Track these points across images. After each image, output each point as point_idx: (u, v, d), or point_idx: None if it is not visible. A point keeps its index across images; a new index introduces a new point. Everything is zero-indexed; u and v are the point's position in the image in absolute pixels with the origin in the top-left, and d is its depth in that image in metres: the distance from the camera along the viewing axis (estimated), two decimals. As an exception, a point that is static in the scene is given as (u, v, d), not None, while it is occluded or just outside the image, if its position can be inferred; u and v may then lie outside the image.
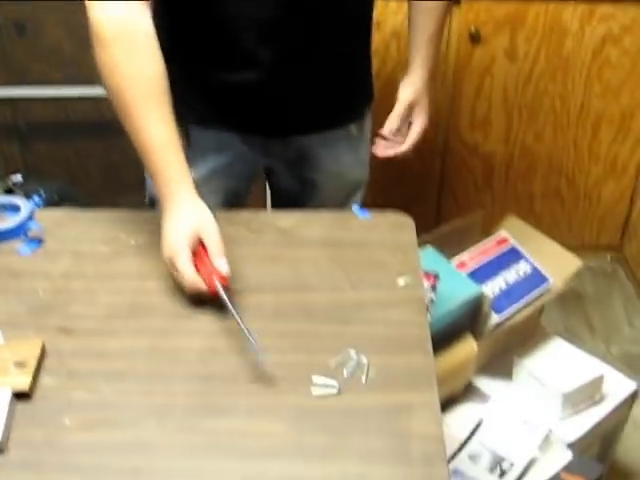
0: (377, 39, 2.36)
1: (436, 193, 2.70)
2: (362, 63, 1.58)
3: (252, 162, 1.61)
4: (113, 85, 1.22)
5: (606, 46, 2.38)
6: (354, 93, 1.59)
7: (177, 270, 1.15)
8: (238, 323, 1.08)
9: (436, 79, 1.57)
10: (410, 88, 1.58)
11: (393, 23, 2.30)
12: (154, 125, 1.21)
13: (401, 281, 1.21)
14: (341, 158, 1.62)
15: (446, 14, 1.60)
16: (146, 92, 1.22)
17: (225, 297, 1.12)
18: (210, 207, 1.23)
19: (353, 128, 1.60)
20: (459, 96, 2.48)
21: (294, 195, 1.68)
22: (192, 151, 1.37)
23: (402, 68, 1.62)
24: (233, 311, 1.10)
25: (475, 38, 2.35)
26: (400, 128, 1.58)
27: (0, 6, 2.28)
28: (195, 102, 1.48)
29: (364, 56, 1.58)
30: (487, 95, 2.48)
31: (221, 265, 1.14)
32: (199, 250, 1.16)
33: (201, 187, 1.25)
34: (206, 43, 1.42)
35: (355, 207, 1.38)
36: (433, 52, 1.60)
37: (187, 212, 1.19)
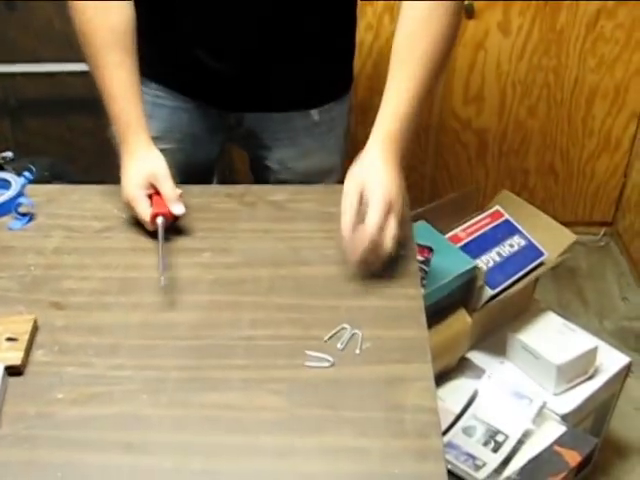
0: (369, 12, 2.34)
1: (430, 168, 2.69)
2: (329, 49, 1.49)
3: (206, 132, 1.58)
4: (82, 29, 1.28)
5: (600, 19, 2.37)
6: (314, 78, 1.51)
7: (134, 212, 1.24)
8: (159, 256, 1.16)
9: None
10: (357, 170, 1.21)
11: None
12: (116, 72, 1.27)
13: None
14: (300, 142, 1.57)
15: (448, 51, 1.25)
16: (111, 39, 1.27)
17: (161, 233, 1.19)
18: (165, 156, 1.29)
19: (315, 114, 1.54)
20: (452, 71, 2.46)
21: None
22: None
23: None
24: (160, 244, 1.17)
25: (468, 12, 2.33)
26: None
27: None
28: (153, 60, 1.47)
29: (332, 43, 1.48)
30: (480, 70, 2.47)
31: (175, 208, 1.22)
32: (155, 194, 1.24)
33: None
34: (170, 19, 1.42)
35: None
36: (408, 125, 1.21)
37: (141, 159, 1.27)
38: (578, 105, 2.55)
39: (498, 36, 2.40)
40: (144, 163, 1.26)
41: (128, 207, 1.25)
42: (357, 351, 1.03)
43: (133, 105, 1.28)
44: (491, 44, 2.41)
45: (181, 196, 1.24)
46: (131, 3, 1.29)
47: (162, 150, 1.44)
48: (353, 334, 1.06)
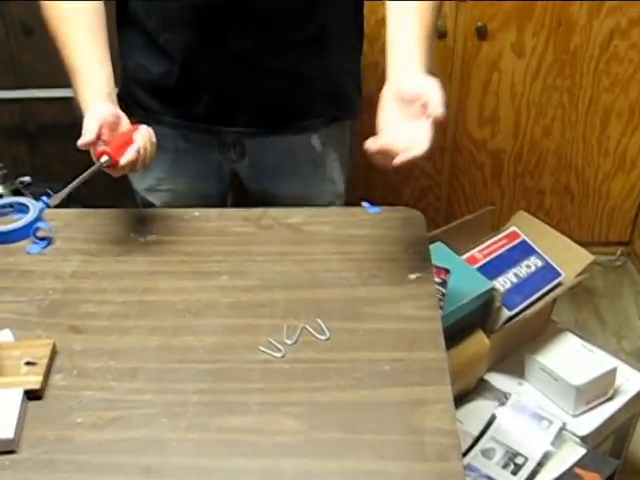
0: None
1: (445, 189, 2.69)
2: (327, 70, 1.46)
3: (210, 169, 1.58)
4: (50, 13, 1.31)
5: (614, 39, 2.37)
6: (309, 100, 1.47)
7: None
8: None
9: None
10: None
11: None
12: (80, 44, 1.29)
13: (412, 276, 1.20)
14: (302, 173, 1.56)
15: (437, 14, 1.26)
16: (77, 10, 1.30)
17: (93, 168, 1.19)
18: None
19: (316, 142, 1.52)
20: (467, 92, 2.47)
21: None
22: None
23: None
24: (84, 175, 1.19)
25: (482, 33, 2.34)
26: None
27: (7, 7, 2.28)
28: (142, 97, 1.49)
29: (328, 63, 1.45)
30: (495, 91, 2.47)
31: (127, 153, 1.19)
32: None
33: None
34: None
35: (365, 203, 1.37)
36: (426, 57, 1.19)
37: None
38: (593, 125, 2.54)
39: (512, 57, 2.40)
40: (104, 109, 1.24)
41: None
42: (375, 374, 1.03)
43: (95, 80, 1.27)
44: (505, 65, 2.42)
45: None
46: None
47: (169, 190, 1.46)
48: (372, 357, 1.06)
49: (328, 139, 1.53)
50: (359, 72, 1.54)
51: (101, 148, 1.18)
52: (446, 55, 2.39)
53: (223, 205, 1.62)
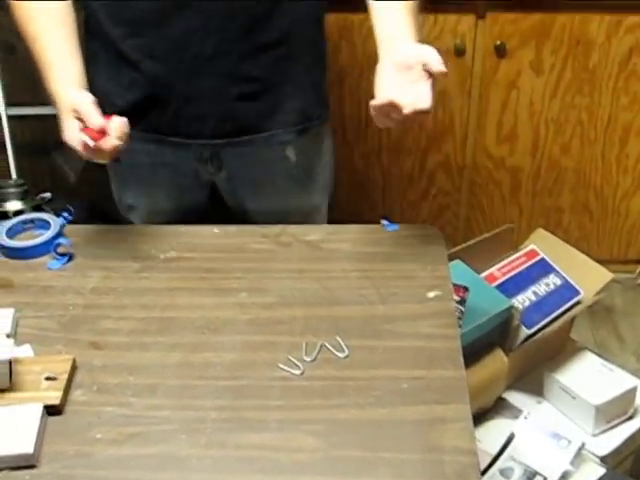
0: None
1: (464, 207, 2.69)
2: (291, 78, 1.46)
3: (189, 182, 1.58)
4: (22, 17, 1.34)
5: (633, 57, 2.36)
6: (276, 108, 1.48)
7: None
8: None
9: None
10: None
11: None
12: (51, 40, 1.31)
13: (431, 294, 1.20)
14: (279, 185, 1.57)
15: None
16: (48, 10, 1.33)
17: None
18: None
19: (290, 153, 1.53)
20: (485, 110, 2.47)
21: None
22: None
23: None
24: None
25: (501, 52, 2.34)
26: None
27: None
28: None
29: (292, 71, 1.46)
30: (513, 109, 2.47)
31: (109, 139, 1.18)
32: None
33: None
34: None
35: (384, 221, 1.38)
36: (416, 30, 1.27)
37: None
38: (612, 143, 2.54)
39: (530, 75, 2.40)
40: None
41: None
42: (394, 392, 1.03)
43: (65, 76, 1.29)
44: (524, 83, 2.41)
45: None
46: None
47: (148, 208, 1.52)
48: (390, 375, 1.05)
49: (302, 150, 1.54)
50: (325, 83, 1.55)
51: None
52: (465, 73, 2.39)
53: (204, 221, 1.62)
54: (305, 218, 1.57)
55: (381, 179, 2.58)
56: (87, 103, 1.22)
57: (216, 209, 1.66)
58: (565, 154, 2.56)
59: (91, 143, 1.18)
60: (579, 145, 2.54)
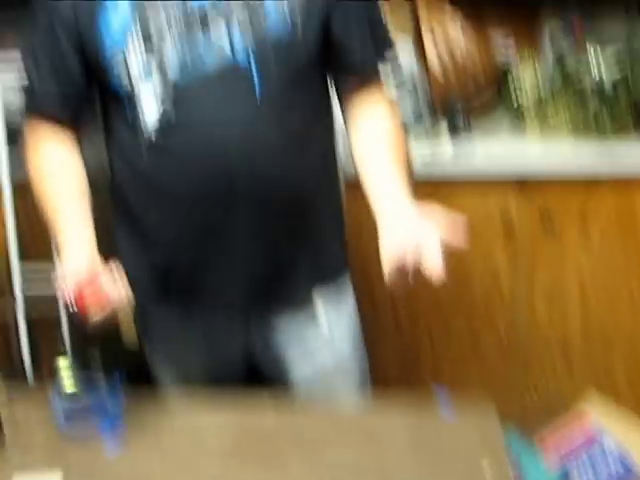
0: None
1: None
2: (304, 245, 1.51)
3: (224, 357, 1.60)
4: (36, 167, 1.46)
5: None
6: (289, 276, 1.51)
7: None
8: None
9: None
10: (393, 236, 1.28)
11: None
12: (64, 204, 1.40)
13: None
14: (311, 349, 1.57)
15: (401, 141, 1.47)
16: (63, 176, 1.44)
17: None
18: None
19: (320, 313, 1.54)
20: (532, 288, 2.45)
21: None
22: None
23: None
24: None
25: (548, 230, 2.35)
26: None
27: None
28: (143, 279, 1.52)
29: (306, 238, 1.50)
30: (561, 285, 2.44)
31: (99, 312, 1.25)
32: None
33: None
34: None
35: (440, 403, 1.36)
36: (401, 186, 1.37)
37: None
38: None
39: (578, 252, 2.39)
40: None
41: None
42: None
43: (75, 236, 1.36)
44: (571, 260, 2.40)
45: None
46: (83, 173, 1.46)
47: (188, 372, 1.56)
48: None
49: (328, 301, 1.55)
50: (343, 235, 1.60)
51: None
52: (512, 252, 2.40)
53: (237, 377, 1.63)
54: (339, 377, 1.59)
55: (429, 343, 2.54)
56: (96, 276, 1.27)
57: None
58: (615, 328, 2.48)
59: (68, 299, 1.24)
60: (631, 319, 2.47)
